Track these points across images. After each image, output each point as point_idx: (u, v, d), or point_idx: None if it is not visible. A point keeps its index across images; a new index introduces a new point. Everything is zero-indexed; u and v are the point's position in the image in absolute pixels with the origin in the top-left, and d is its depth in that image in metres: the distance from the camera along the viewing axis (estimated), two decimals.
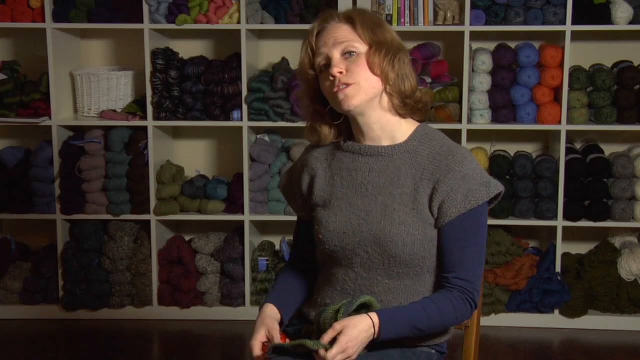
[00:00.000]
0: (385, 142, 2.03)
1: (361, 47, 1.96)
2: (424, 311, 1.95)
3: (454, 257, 1.98)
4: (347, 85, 1.95)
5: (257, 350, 2.01)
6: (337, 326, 1.87)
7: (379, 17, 2.04)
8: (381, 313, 1.91)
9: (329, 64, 1.97)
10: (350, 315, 1.93)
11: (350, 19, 1.98)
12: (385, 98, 2.00)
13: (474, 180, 1.96)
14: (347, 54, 1.96)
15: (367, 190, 2.02)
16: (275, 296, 2.13)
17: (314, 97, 2.05)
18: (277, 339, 2.00)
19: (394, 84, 1.98)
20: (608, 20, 3.86)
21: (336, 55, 1.96)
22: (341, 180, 2.06)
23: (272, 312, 2.08)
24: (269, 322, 2.04)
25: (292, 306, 2.14)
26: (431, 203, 1.97)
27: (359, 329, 1.87)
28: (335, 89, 1.95)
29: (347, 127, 2.07)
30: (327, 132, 2.07)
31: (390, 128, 2.02)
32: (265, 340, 2.02)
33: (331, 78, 1.96)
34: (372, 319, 1.89)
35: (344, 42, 1.96)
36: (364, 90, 1.96)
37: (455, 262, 1.98)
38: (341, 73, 1.95)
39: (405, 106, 2.01)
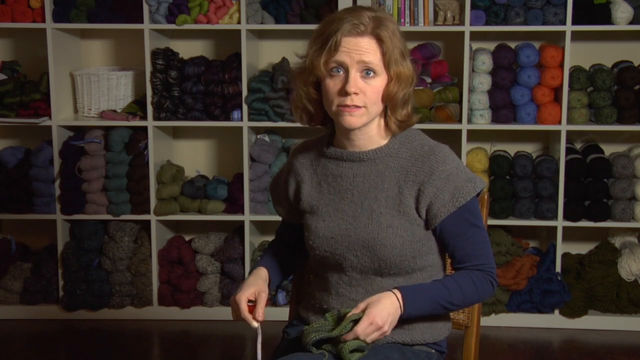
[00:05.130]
0: (368, 147, 2.03)
1: (381, 72, 1.94)
2: (445, 288, 1.97)
3: (460, 250, 2.00)
4: (357, 107, 1.94)
5: (243, 304, 2.02)
6: (361, 305, 1.91)
7: (404, 41, 1.98)
8: (403, 290, 1.94)
9: (343, 71, 1.94)
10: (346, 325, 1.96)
11: (380, 38, 1.92)
12: (382, 118, 2.02)
13: (458, 178, 1.98)
14: (365, 73, 1.93)
15: (352, 195, 2.03)
16: (268, 263, 2.17)
17: (312, 84, 2.02)
18: (263, 302, 2.03)
19: (399, 111, 1.99)
20: (608, 20, 3.86)
21: (355, 73, 1.93)
22: (327, 186, 2.07)
23: (264, 275, 2.12)
24: (260, 284, 2.07)
25: (279, 278, 2.20)
26: (418, 205, 1.98)
27: (383, 303, 1.91)
28: (343, 108, 1.94)
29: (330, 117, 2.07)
30: (317, 115, 2.06)
31: (374, 136, 2.03)
32: (253, 298, 2.04)
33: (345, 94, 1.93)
34: (395, 295, 1.92)
35: (368, 62, 1.92)
36: (370, 114, 1.97)
37: (465, 254, 2.00)
38: (356, 94, 1.93)
39: (400, 129, 2.03)
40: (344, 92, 1.93)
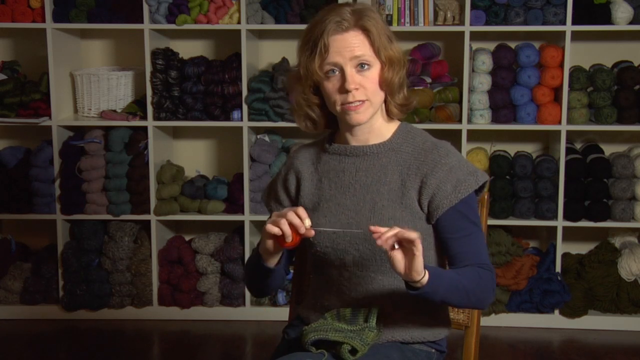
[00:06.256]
0: (371, 142, 2.05)
1: (375, 62, 1.96)
2: (454, 271, 1.95)
3: (460, 248, 1.99)
4: (360, 102, 1.96)
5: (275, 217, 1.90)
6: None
7: (387, 26, 2.02)
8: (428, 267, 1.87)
9: (339, 70, 1.95)
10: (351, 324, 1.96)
11: (365, 29, 1.95)
12: (383, 105, 2.03)
13: (460, 171, 1.99)
14: (360, 66, 1.95)
15: (354, 189, 2.04)
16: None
17: (311, 90, 2.03)
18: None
19: (397, 95, 2.01)
20: (608, 20, 3.86)
21: (351, 70, 1.94)
22: (329, 182, 2.07)
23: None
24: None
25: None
26: (420, 197, 1.99)
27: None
28: (347, 106, 1.96)
29: (334, 117, 2.07)
30: (320, 119, 2.07)
31: (378, 128, 2.05)
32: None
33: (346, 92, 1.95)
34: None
35: (360, 56, 1.94)
36: (374, 106, 1.99)
37: (463, 252, 1.99)
38: (357, 89, 1.95)
39: (402, 113, 2.05)
40: (344, 90, 1.95)
